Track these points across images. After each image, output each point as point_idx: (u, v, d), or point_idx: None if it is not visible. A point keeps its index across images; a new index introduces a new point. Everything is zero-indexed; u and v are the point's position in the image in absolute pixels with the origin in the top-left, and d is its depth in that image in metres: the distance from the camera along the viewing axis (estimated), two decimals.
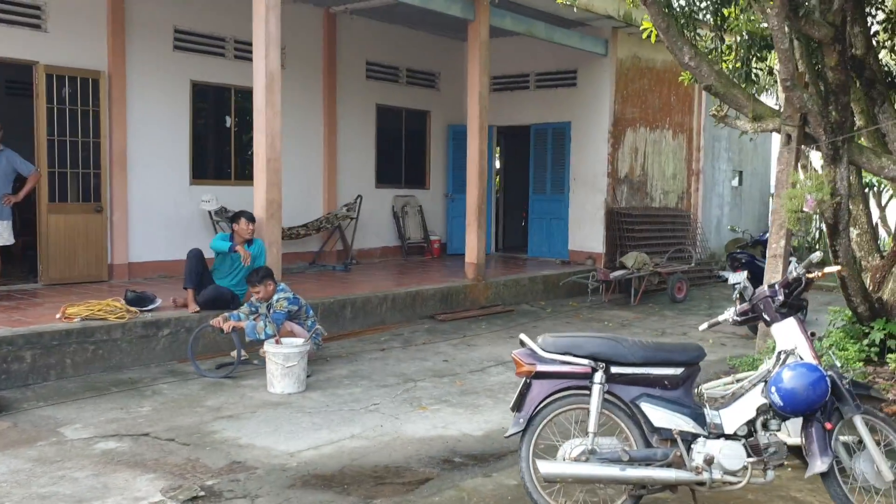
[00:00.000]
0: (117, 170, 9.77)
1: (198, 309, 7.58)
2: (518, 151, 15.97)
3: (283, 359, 6.35)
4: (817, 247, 17.77)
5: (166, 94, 10.32)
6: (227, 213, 10.56)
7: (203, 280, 7.75)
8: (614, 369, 3.89)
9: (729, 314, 4.21)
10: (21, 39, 9.00)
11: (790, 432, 4.08)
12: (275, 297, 7.11)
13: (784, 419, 3.90)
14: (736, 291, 4.22)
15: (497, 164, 16.62)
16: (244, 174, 11.37)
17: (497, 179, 16.62)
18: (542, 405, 3.96)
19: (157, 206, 10.25)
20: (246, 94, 11.33)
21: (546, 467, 3.82)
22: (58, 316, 6.98)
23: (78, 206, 9.45)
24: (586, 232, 13.34)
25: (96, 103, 9.52)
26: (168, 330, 7.38)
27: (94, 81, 9.48)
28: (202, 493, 4.31)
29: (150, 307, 7.56)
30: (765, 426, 3.87)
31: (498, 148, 16.14)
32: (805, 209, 6.19)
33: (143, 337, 7.20)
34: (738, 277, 9.73)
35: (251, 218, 7.84)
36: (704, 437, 3.87)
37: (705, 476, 3.78)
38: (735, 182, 17.08)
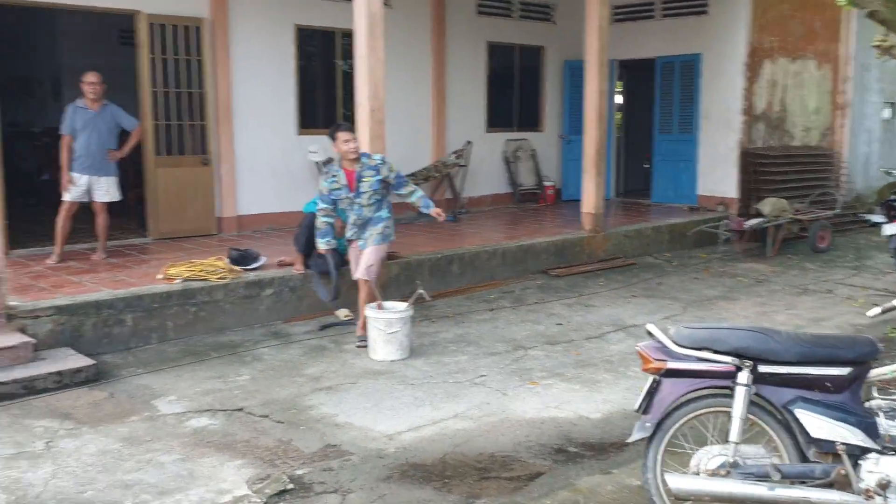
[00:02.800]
0: (223, 121, 9.56)
1: (303, 269, 7.27)
2: (641, 87, 14.86)
3: (385, 325, 5.95)
4: None
5: (270, 41, 9.97)
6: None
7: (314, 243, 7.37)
8: (763, 368, 3.21)
9: None
10: None
11: None
12: (377, 158, 6.57)
13: None
14: None
15: (618, 101, 15.57)
16: (351, 122, 10.97)
17: (618, 118, 15.61)
18: (673, 408, 3.34)
19: (265, 157, 10.02)
20: (352, 37, 10.85)
21: (678, 482, 3.22)
22: (159, 276, 6.84)
23: (185, 159, 9.32)
24: (717, 175, 12.26)
25: (199, 52, 9.28)
26: (271, 290, 7.13)
27: (196, 29, 9.23)
28: (290, 486, 3.96)
29: (253, 266, 7.32)
30: None
31: (619, 83, 15.08)
32: None
33: (246, 297, 6.97)
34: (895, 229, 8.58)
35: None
36: (877, 452, 3.16)
37: (877, 502, 3.09)
38: (887, 114, 15.34)
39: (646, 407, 3.38)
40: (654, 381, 3.39)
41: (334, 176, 6.53)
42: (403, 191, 6.68)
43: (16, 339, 5.56)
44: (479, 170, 12.20)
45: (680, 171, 12.87)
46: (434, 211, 6.64)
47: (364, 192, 6.47)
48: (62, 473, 4.08)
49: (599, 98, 9.81)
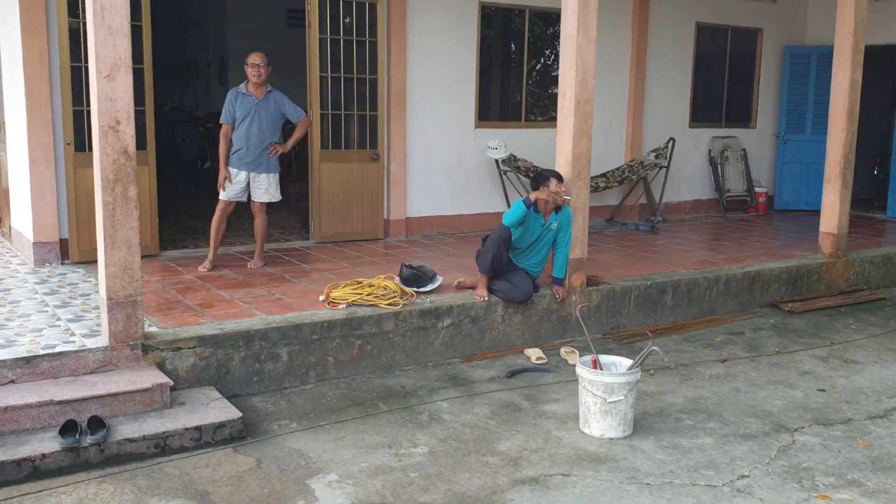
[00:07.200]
0: (395, 111, 8.39)
1: (486, 296, 5.96)
2: (874, 78, 12.53)
3: (605, 391, 4.50)
4: None
5: (451, 20, 8.70)
6: (515, 162, 8.87)
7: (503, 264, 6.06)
8: None
9: None
10: None
11: None
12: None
13: None
14: None
15: None
16: (535, 115, 9.59)
17: None
18: None
19: (439, 152, 8.79)
20: (542, 17, 9.46)
21: None
22: (321, 298, 5.72)
23: (353, 154, 8.23)
24: None
25: (373, 33, 8.15)
26: (450, 320, 5.85)
27: (370, 6, 8.09)
28: None
29: (428, 287, 6.08)
30: None
31: None
32: None
33: (420, 329, 5.73)
34: None
35: (561, 177, 6.04)
36: None
37: None
38: None
39: None
40: None
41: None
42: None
43: (151, 377, 4.56)
44: (678, 171, 10.48)
45: None
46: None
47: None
48: None
49: (851, 90, 7.91)
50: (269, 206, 7.07)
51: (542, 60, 9.70)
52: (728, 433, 4.65)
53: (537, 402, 5.10)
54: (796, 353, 6.23)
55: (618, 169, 9.74)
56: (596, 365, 4.68)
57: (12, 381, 4.40)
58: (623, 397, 4.50)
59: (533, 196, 5.90)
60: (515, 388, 5.32)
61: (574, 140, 6.22)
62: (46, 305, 5.55)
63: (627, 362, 4.72)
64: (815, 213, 10.96)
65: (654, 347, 4.55)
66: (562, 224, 6.12)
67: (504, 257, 5.91)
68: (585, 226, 6.38)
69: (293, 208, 9.72)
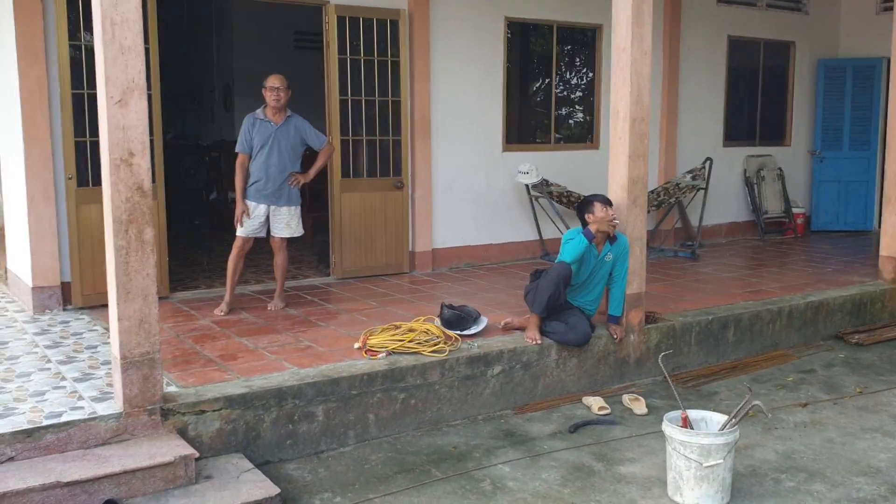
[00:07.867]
0: (420, 136, 7.82)
1: (539, 339, 5.35)
2: None
3: (700, 453, 3.87)
4: None
5: (475, 36, 8.16)
6: (547, 187, 8.30)
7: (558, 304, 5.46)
8: None
9: None
10: None
11: None
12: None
13: None
14: None
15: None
16: (565, 136, 9.05)
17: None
18: None
19: (465, 178, 8.22)
20: (571, 33, 8.94)
21: None
22: (357, 346, 5.10)
23: (375, 182, 7.65)
24: None
25: (395, 52, 7.60)
26: (500, 367, 5.23)
27: (392, 23, 7.55)
28: None
29: (473, 330, 5.46)
30: None
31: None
32: None
33: (468, 378, 5.11)
34: None
35: (608, 200, 5.46)
36: None
37: None
38: None
39: None
40: None
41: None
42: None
43: (173, 448, 3.93)
44: (713, 193, 9.88)
45: None
46: None
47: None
48: None
49: None
50: (287, 241, 6.48)
51: (571, 78, 9.17)
52: (839, 497, 4.03)
53: (611, 462, 4.47)
54: (881, 393, 5.62)
55: (653, 192, 9.16)
56: (686, 423, 4.06)
57: (11, 459, 3.77)
58: (721, 460, 3.88)
59: (593, 228, 5.31)
60: (582, 446, 4.69)
61: (630, 163, 5.65)
62: (49, 361, 4.93)
63: (720, 418, 4.10)
64: (854, 233, 10.54)
65: (756, 402, 3.93)
66: (618, 256, 5.53)
67: (562, 297, 5.31)
68: (643, 257, 5.79)
69: (309, 241, 9.10)
